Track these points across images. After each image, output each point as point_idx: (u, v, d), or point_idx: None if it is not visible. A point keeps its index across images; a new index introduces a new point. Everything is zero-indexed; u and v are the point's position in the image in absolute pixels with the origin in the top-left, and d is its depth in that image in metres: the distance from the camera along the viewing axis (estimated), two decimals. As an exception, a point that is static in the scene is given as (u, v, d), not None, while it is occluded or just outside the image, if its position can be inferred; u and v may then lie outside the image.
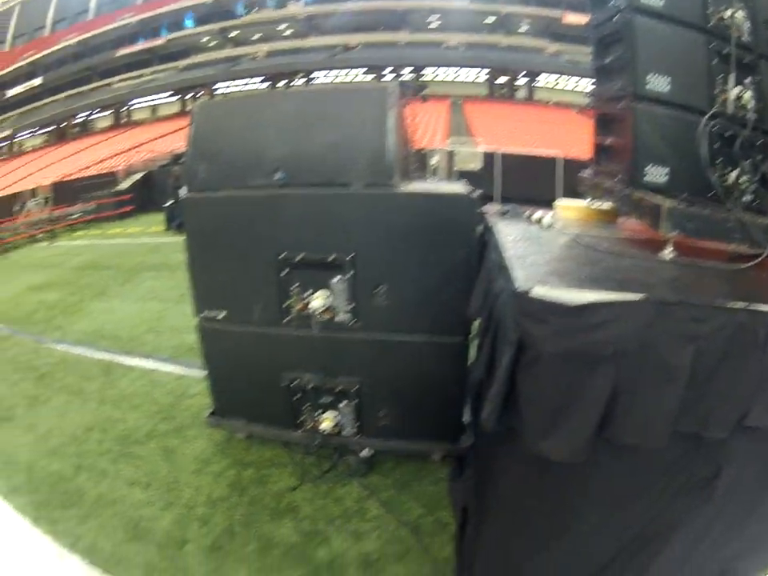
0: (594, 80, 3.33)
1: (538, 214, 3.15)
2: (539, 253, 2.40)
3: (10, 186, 39.75)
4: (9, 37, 66.31)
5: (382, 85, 3.29)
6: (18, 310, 9.29)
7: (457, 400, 3.49)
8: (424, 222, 3.19)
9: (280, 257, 3.38)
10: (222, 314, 3.64)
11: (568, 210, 3.45)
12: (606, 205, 3.23)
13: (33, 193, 31.05)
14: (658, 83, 2.51)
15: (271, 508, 3.32)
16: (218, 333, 3.73)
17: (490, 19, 43.70)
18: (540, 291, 1.81)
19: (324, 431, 3.56)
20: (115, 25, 53.63)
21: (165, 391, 5.04)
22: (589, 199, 3.41)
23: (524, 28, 44.08)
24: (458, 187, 3.44)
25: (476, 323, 2.97)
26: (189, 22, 51.17)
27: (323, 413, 3.60)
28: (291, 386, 3.61)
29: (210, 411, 4.09)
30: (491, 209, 3.43)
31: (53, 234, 21.53)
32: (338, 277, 3.34)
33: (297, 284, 3.42)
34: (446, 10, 43.49)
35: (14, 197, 31.58)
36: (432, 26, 45.47)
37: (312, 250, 3.34)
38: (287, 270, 3.41)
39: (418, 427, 3.56)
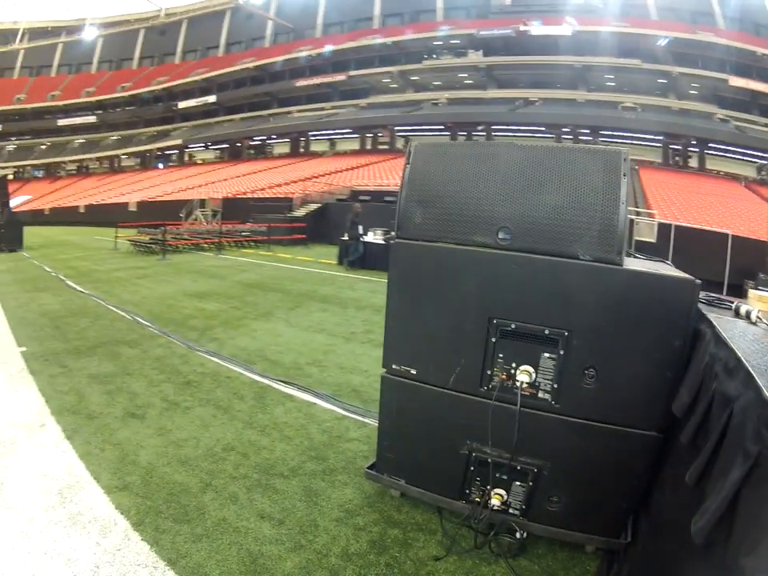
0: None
1: (745, 307, 2.96)
2: (763, 353, 2.17)
3: (178, 192, 42.78)
4: (178, 50, 72.40)
5: (616, 149, 2.99)
6: (172, 313, 9.73)
7: (629, 495, 3.11)
8: (644, 304, 2.88)
9: (493, 322, 3.16)
10: (413, 371, 3.45)
11: (762, 300, 3.24)
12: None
13: (202, 203, 32.92)
14: None
15: (408, 574, 3.02)
16: (403, 387, 3.52)
17: (663, 80, 43.26)
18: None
19: (492, 507, 3.27)
20: (294, 55, 57.11)
21: (321, 429, 4.86)
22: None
23: (693, 91, 43.19)
24: (672, 269, 3.18)
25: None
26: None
27: (494, 488, 3.29)
28: (471, 455, 3.34)
29: (371, 464, 3.87)
30: None
31: (219, 246, 22.60)
32: (548, 353, 3.07)
33: (503, 353, 3.18)
34: (620, 68, 43.61)
35: (181, 204, 33.80)
36: (608, 84, 45.26)
37: (524, 320, 3.10)
38: (498, 338, 3.17)
39: (582, 517, 3.21)
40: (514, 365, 3.15)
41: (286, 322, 9.20)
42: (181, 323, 8.94)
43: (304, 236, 25.66)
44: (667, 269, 3.19)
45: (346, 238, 17.77)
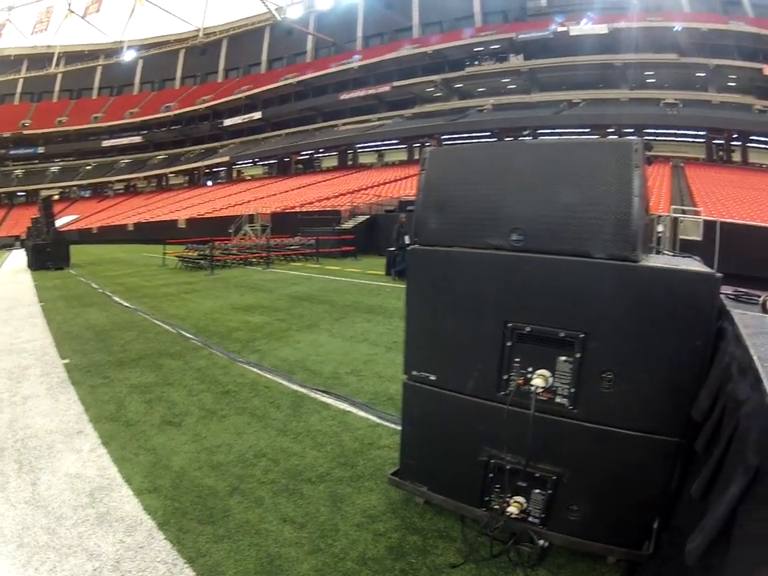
0: None
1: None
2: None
3: (227, 208, 43.49)
4: (221, 69, 74.37)
5: (627, 140, 2.92)
6: (217, 326, 9.88)
7: (651, 504, 2.98)
8: (663, 302, 2.76)
9: (508, 326, 3.12)
10: (432, 377, 3.44)
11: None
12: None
13: (251, 219, 33.43)
14: None
15: (423, 581, 2.99)
16: (423, 393, 3.51)
17: (701, 74, 43.13)
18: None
19: (510, 515, 3.19)
20: (336, 69, 58.00)
21: (353, 437, 4.86)
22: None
23: (731, 83, 42.89)
24: (697, 264, 3.07)
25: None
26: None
27: (513, 496, 3.22)
28: (490, 462, 3.29)
29: (394, 470, 3.85)
30: (724, 291, 2.98)
31: (268, 261, 22.80)
32: (565, 356, 2.99)
33: (519, 357, 3.13)
34: (659, 64, 43.75)
35: (230, 220, 34.40)
36: (649, 81, 45.50)
37: (540, 322, 3.04)
38: (513, 341, 3.13)
39: (603, 527, 3.09)
40: (530, 369, 3.10)
41: (330, 332, 9.22)
42: (225, 336, 9.09)
43: (353, 248, 25.72)
44: (691, 264, 3.09)
45: (392, 248, 17.83)
